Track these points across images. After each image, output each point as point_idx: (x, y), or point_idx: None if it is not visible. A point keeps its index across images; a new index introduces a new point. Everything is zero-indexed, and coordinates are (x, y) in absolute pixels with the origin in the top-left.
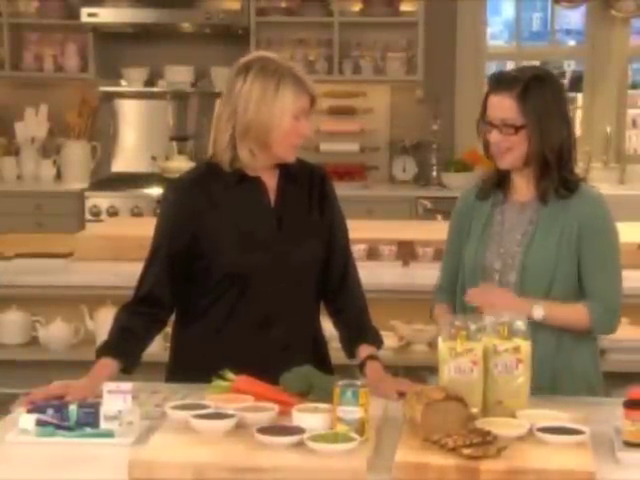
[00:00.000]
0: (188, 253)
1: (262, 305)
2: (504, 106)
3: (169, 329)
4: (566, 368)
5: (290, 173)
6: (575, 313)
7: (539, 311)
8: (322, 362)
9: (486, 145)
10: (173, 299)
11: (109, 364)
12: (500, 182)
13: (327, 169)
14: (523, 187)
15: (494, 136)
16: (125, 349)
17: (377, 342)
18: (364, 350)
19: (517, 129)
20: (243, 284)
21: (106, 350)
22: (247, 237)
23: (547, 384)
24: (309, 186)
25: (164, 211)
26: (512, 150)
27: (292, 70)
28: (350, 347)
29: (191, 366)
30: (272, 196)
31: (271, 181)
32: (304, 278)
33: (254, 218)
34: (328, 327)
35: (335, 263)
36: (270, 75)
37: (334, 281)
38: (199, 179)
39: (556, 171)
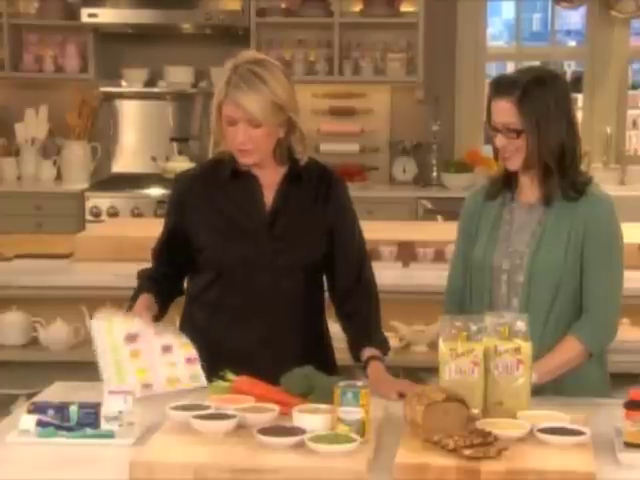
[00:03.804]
0: (183, 241)
1: (246, 298)
2: (504, 110)
3: None
4: (569, 370)
5: (296, 173)
6: (567, 352)
7: (532, 377)
8: (325, 363)
9: (495, 149)
10: (184, 268)
11: (149, 297)
12: (508, 183)
13: None
14: (528, 189)
15: (499, 140)
16: (158, 289)
17: (384, 347)
18: (368, 351)
19: (519, 133)
20: (227, 276)
21: (141, 291)
22: (234, 231)
23: (550, 385)
24: (316, 187)
25: (167, 202)
26: (519, 152)
27: (234, 77)
28: (356, 350)
29: None
30: (271, 193)
31: (273, 179)
32: (292, 276)
33: (245, 213)
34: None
35: (343, 267)
36: (224, 70)
37: (343, 284)
38: (198, 174)
39: (558, 174)
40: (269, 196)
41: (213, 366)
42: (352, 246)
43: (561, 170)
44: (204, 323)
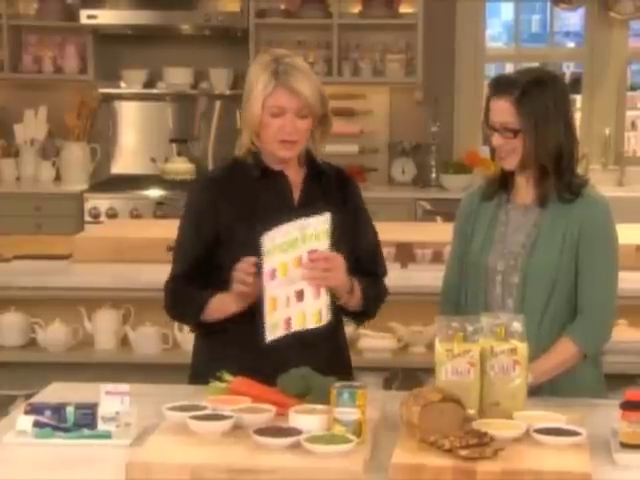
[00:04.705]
0: (213, 246)
1: None
2: (503, 110)
3: (167, 331)
4: (565, 371)
5: (316, 172)
6: (562, 353)
7: (528, 377)
8: (344, 366)
9: (492, 148)
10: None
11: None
12: (504, 183)
13: None
14: (524, 189)
15: (496, 139)
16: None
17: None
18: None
19: (516, 133)
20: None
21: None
22: (265, 229)
23: (546, 385)
24: (334, 189)
25: (187, 209)
26: (515, 152)
27: (280, 66)
28: None
29: (211, 362)
30: (297, 192)
31: (296, 178)
32: None
33: (276, 211)
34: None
35: (358, 267)
36: (258, 65)
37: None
38: (222, 175)
39: (554, 175)
40: (296, 195)
41: (247, 366)
42: (366, 246)
43: (557, 172)
44: (239, 323)
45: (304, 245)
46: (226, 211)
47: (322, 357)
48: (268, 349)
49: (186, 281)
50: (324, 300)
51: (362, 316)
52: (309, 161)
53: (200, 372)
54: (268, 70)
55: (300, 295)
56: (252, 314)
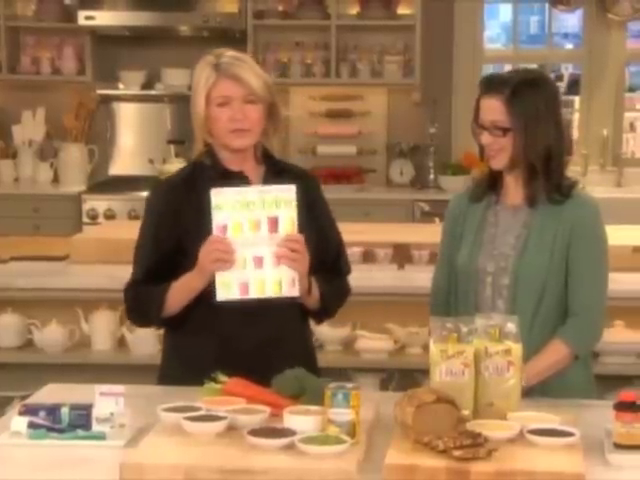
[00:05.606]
0: (172, 251)
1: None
2: (493, 108)
3: (163, 331)
4: (556, 372)
5: (276, 170)
6: (554, 355)
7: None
8: (314, 363)
9: (481, 147)
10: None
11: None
12: (493, 184)
13: (324, 172)
14: (513, 190)
15: (485, 138)
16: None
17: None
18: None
19: (505, 131)
20: None
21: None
22: None
23: (537, 386)
24: (298, 188)
25: (147, 212)
26: (504, 151)
27: (222, 59)
28: None
29: (181, 363)
30: None
31: (256, 176)
32: None
33: None
34: (320, 330)
35: (321, 265)
36: (201, 63)
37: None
38: (183, 179)
39: (543, 176)
40: None
41: (225, 365)
42: (332, 244)
43: (546, 172)
44: (213, 325)
45: (263, 211)
46: (187, 214)
47: (289, 354)
48: (235, 345)
49: (145, 285)
50: (285, 271)
51: (321, 315)
52: (266, 158)
53: (168, 373)
54: (210, 65)
55: (259, 262)
56: (213, 307)
